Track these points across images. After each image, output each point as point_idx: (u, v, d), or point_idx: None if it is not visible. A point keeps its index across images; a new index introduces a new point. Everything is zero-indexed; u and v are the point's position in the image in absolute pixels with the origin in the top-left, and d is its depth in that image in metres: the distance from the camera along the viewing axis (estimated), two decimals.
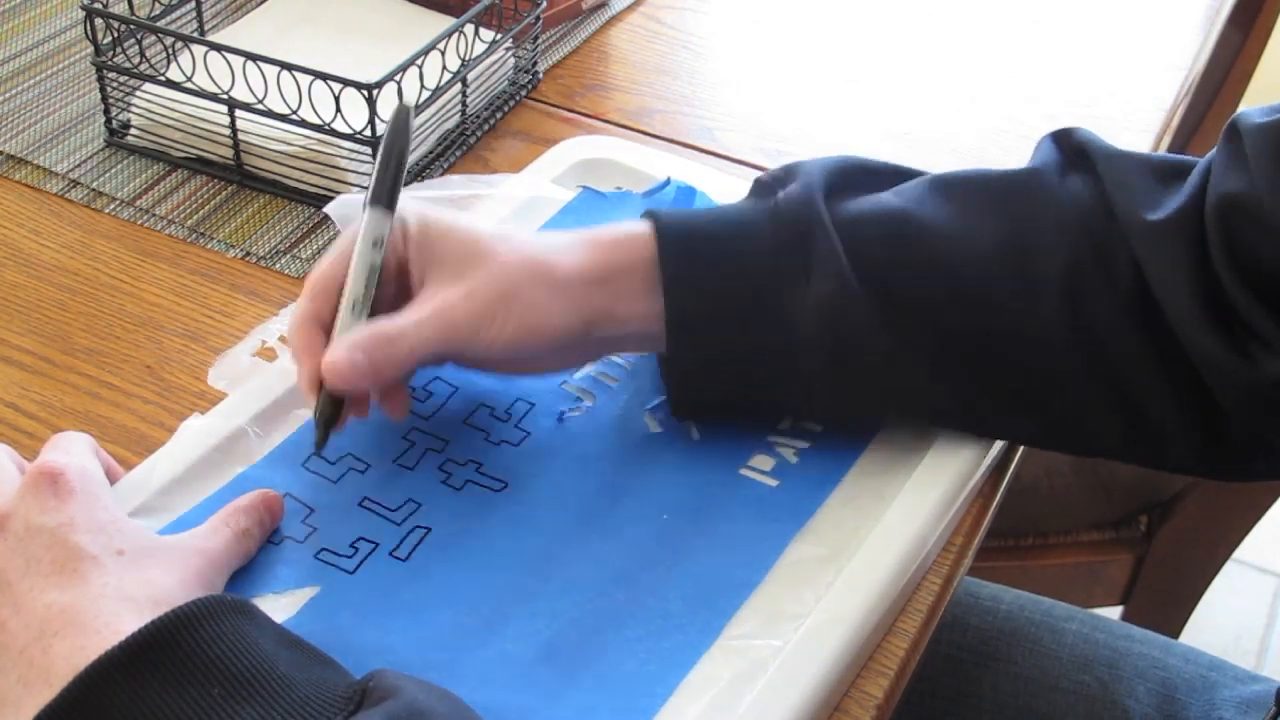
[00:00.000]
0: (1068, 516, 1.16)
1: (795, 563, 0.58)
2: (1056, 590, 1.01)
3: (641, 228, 0.61)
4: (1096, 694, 0.78)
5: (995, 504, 0.65)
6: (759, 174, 0.65)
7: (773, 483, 0.62)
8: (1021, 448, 0.67)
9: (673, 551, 0.58)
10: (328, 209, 0.72)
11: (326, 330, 0.59)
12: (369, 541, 0.58)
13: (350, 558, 0.57)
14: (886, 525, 0.59)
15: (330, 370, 0.56)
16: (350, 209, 0.72)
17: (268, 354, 0.66)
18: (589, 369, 0.66)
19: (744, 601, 0.56)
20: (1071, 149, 0.64)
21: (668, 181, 0.76)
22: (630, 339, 0.62)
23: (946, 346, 0.60)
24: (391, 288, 0.60)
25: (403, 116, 0.61)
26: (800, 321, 0.60)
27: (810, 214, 0.61)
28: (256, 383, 0.64)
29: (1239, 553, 1.18)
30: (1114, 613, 1.17)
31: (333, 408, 0.58)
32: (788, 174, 0.64)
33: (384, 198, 0.59)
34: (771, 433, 0.64)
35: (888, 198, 0.63)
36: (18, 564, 0.49)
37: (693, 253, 0.60)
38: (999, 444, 0.64)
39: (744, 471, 0.62)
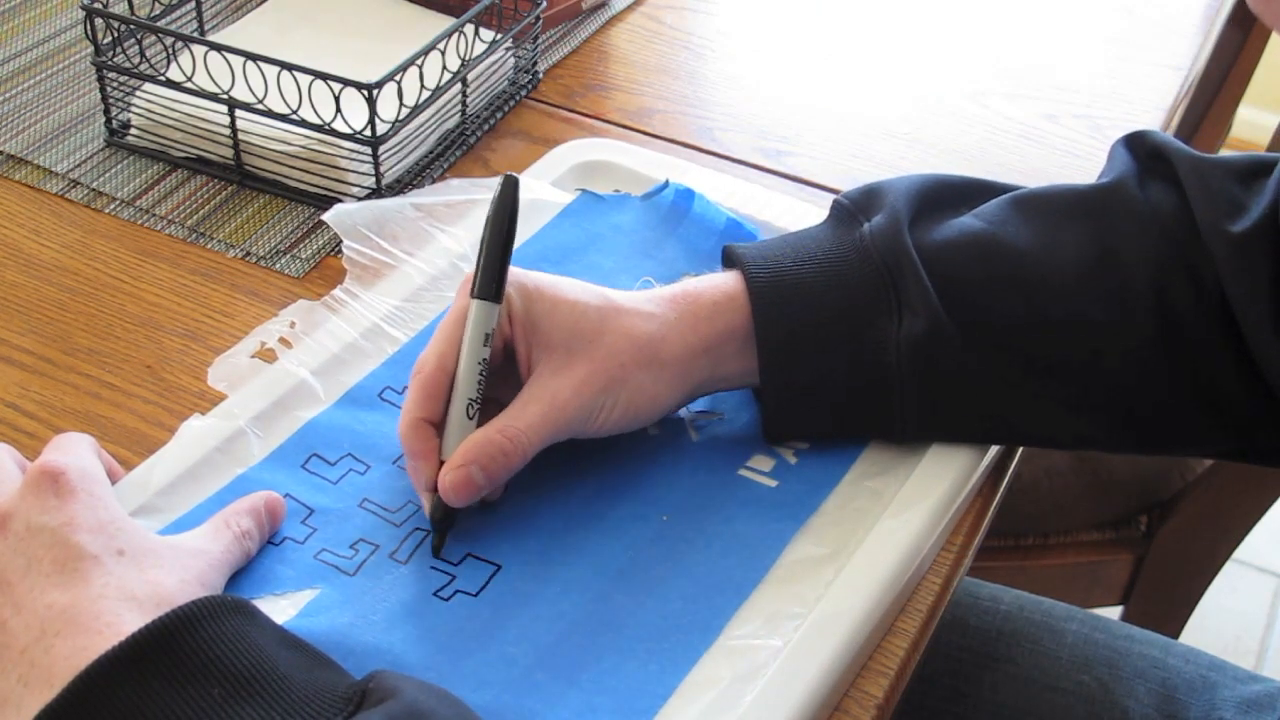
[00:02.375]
0: (1068, 516, 1.16)
1: (795, 563, 0.58)
2: (1056, 590, 1.01)
3: (734, 286, 0.62)
4: (1096, 694, 0.78)
5: (995, 504, 0.65)
6: (836, 196, 0.66)
7: (772, 483, 0.62)
8: (1021, 447, 0.67)
9: (672, 552, 0.58)
10: (326, 217, 0.72)
11: (436, 425, 0.58)
12: (369, 543, 0.58)
13: (350, 559, 0.57)
14: (885, 525, 0.59)
15: (448, 490, 0.56)
16: (349, 217, 0.72)
17: (268, 355, 0.66)
18: None
19: (744, 602, 0.56)
20: (1147, 154, 0.65)
21: (666, 184, 0.76)
22: (728, 388, 0.64)
23: (1038, 369, 0.61)
24: (499, 360, 0.60)
25: (510, 189, 0.59)
26: (893, 358, 0.60)
27: (898, 249, 0.61)
28: (256, 384, 0.64)
29: (1239, 553, 1.18)
30: (1114, 613, 1.17)
31: (447, 511, 0.58)
32: (869, 199, 0.64)
33: (492, 289, 0.58)
34: None
35: (970, 222, 0.63)
36: (18, 564, 0.49)
37: (784, 302, 0.61)
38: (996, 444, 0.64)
39: (743, 472, 0.62)
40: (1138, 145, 0.65)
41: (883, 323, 0.61)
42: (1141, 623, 0.89)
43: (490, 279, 0.58)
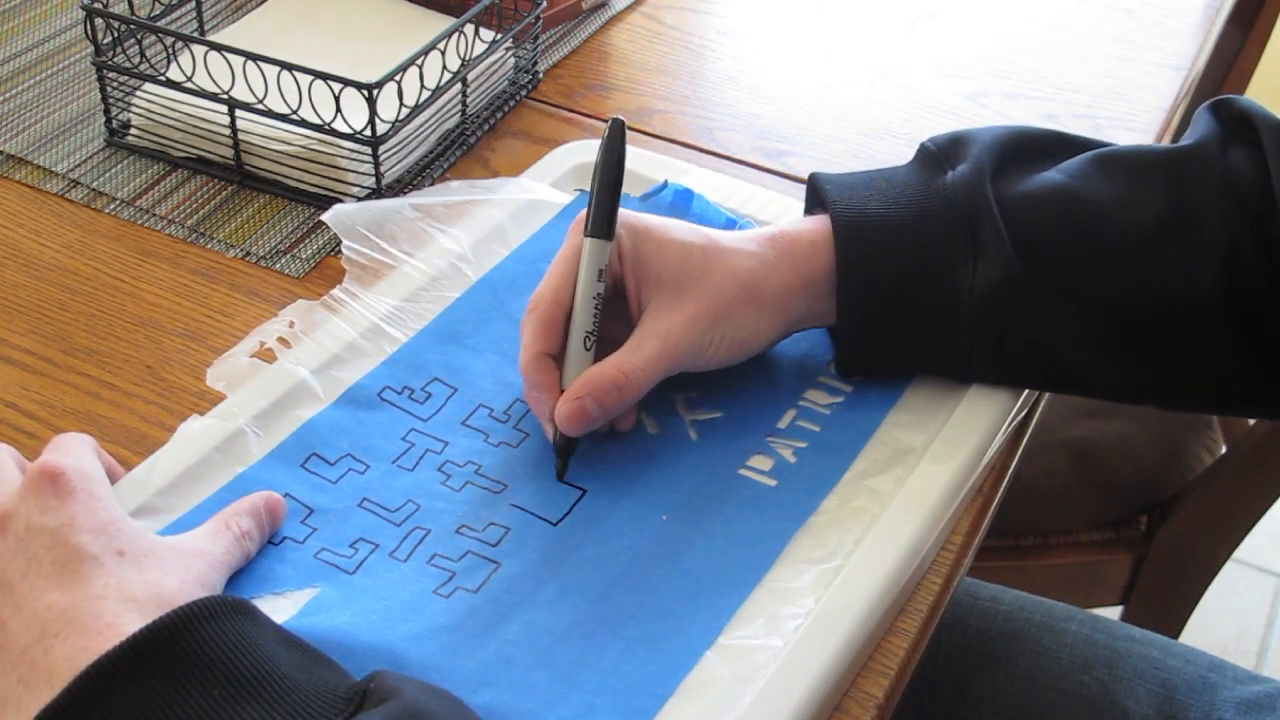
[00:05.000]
0: (1068, 516, 1.16)
1: (794, 563, 0.58)
2: (1056, 590, 1.01)
3: (824, 229, 0.64)
4: (1096, 694, 0.78)
5: (995, 504, 0.65)
6: (924, 141, 0.68)
7: (771, 482, 0.62)
8: (1021, 448, 0.67)
9: (672, 552, 0.58)
10: (325, 218, 0.72)
11: (555, 357, 0.61)
12: (369, 542, 0.58)
13: (350, 558, 0.57)
14: (885, 525, 0.59)
15: (565, 420, 0.60)
16: (348, 218, 0.72)
17: (267, 355, 0.66)
18: None
19: (743, 602, 0.56)
20: (1233, 119, 0.66)
21: (665, 184, 0.76)
22: (823, 324, 0.67)
23: (1107, 321, 0.63)
24: (609, 296, 0.62)
25: (618, 132, 0.62)
26: (966, 304, 0.63)
27: (979, 199, 0.63)
28: (256, 383, 0.64)
29: (1239, 553, 1.18)
30: (1114, 613, 1.17)
31: (568, 440, 0.61)
32: (955, 145, 0.67)
33: (604, 227, 0.61)
34: (770, 433, 0.64)
35: (1052, 176, 0.65)
36: (18, 564, 0.49)
37: (867, 244, 0.63)
38: (997, 442, 0.64)
39: (743, 471, 0.62)
40: (1223, 110, 0.66)
41: (959, 269, 0.63)
42: (1142, 622, 0.89)
43: (602, 218, 0.61)
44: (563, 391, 0.61)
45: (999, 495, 0.65)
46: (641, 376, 0.60)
